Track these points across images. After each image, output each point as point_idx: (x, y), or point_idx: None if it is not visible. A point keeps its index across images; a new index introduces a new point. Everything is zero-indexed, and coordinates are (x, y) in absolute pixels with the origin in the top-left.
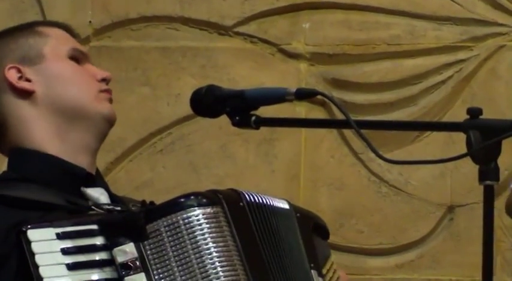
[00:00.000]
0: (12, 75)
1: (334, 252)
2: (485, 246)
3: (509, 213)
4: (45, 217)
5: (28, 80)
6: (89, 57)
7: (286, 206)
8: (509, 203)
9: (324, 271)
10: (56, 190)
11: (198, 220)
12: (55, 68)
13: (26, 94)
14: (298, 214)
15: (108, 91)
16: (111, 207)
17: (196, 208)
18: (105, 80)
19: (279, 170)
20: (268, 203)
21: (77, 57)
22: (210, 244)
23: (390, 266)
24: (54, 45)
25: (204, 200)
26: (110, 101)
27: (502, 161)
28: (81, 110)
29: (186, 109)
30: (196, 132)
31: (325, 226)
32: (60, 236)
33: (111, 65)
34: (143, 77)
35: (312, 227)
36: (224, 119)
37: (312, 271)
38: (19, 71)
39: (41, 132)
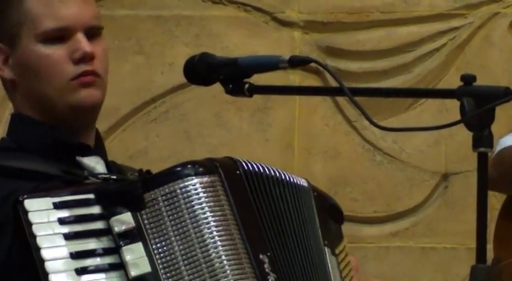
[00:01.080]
0: None
1: None
2: (480, 214)
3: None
4: (41, 186)
5: (10, 66)
6: (78, 26)
7: (304, 183)
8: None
9: (337, 251)
10: (51, 159)
11: (195, 189)
12: (25, 57)
13: (7, 81)
14: (315, 193)
15: (82, 74)
16: (107, 176)
17: (193, 177)
18: (83, 59)
19: (273, 139)
20: (271, 172)
21: (53, 38)
22: (208, 213)
23: (385, 234)
24: (31, 27)
25: (201, 169)
26: (87, 85)
27: (495, 128)
28: (50, 104)
29: (180, 78)
30: (190, 101)
31: (341, 211)
32: (57, 206)
33: (104, 34)
34: (137, 46)
35: (327, 208)
36: (218, 87)
37: (326, 248)
38: (4, 52)
39: (30, 112)
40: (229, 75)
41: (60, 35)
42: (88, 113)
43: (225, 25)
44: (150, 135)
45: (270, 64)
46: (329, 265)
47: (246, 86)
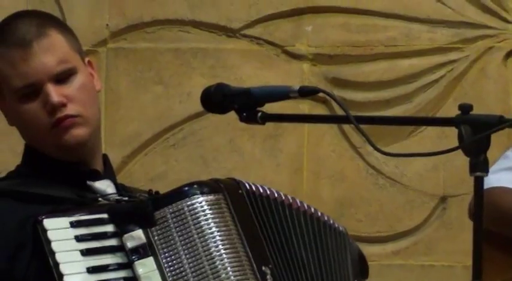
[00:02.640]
0: (2, 108)
1: None
2: (475, 234)
3: (471, 218)
4: (58, 208)
5: (7, 114)
6: (44, 79)
7: (341, 228)
8: (470, 208)
9: None
10: (65, 185)
11: (201, 207)
12: (10, 113)
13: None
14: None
15: (60, 120)
16: (118, 197)
17: (199, 196)
18: (54, 110)
19: (284, 164)
20: (270, 193)
21: (26, 94)
22: (214, 229)
23: (387, 252)
24: (7, 85)
25: (207, 189)
26: (66, 129)
27: (491, 154)
28: (42, 149)
29: (197, 106)
30: (206, 128)
31: (367, 270)
32: (73, 225)
33: (127, 66)
34: (157, 76)
35: (358, 259)
36: (232, 115)
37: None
38: (1, 103)
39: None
40: (243, 104)
41: (31, 91)
42: (78, 149)
43: (239, 57)
44: (169, 159)
45: (281, 94)
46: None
47: (259, 114)
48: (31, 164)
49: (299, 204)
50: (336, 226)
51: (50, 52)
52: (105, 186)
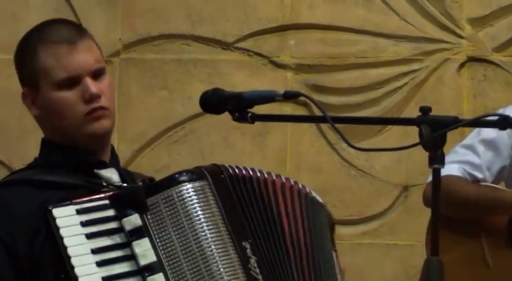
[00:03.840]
0: (27, 101)
1: None
2: (433, 217)
3: (427, 204)
4: (67, 196)
5: (36, 105)
6: (84, 73)
7: (320, 199)
8: (426, 195)
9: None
10: (76, 173)
11: (188, 193)
12: (46, 101)
13: (36, 117)
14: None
15: (93, 110)
16: (119, 184)
17: (187, 183)
18: (92, 99)
19: (270, 157)
20: (253, 173)
21: (66, 85)
22: (199, 212)
23: (357, 233)
24: (46, 77)
25: (193, 176)
26: (98, 118)
27: (447, 149)
28: (71, 137)
29: (196, 108)
30: (204, 127)
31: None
32: (79, 212)
33: (137, 74)
34: (162, 83)
35: (332, 223)
36: (226, 115)
37: (333, 252)
38: (30, 94)
39: (55, 139)
40: (236, 106)
41: (71, 82)
42: (102, 139)
43: (232, 67)
44: (172, 153)
45: (268, 97)
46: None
47: (249, 114)
48: (47, 155)
49: (284, 180)
50: (317, 197)
51: (90, 52)
52: (110, 173)
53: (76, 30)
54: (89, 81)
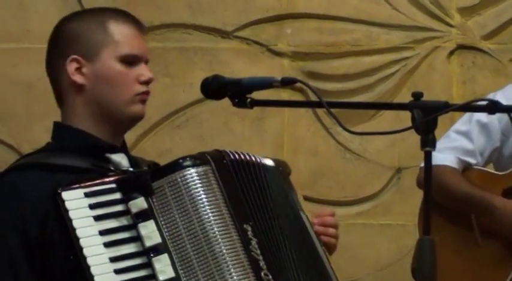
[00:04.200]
0: (71, 67)
1: (310, 203)
2: (425, 198)
3: (420, 186)
4: (76, 179)
5: (83, 74)
6: (143, 58)
7: (271, 163)
8: (419, 179)
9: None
10: (87, 156)
11: (192, 177)
12: (103, 70)
13: (77, 86)
14: (280, 168)
15: (144, 93)
16: (126, 169)
17: (190, 168)
18: (146, 82)
19: (268, 141)
20: (252, 159)
21: (128, 60)
22: (203, 196)
23: (352, 214)
24: (112, 48)
25: (197, 161)
26: (144, 101)
27: (437, 133)
28: (114, 111)
29: (197, 94)
30: (205, 112)
31: (289, 168)
32: (87, 195)
33: None
34: (165, 70)
35: (288, 173)
36: (226, 101)
37: (301, 212)
38: (79, 62)
39: (82, 115)
40: (235, 92)
41: (131, 60)
42: (136, 122)
43: (232, 55)
44: (175, 138)
45: (266, 83)
46: (307, 225)
47: (248, 100)
48: (60, 138)
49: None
50: (268, 164)
51: (146, 43)
52: (120, 158)
53: (142, 24)
54: (145, 66)
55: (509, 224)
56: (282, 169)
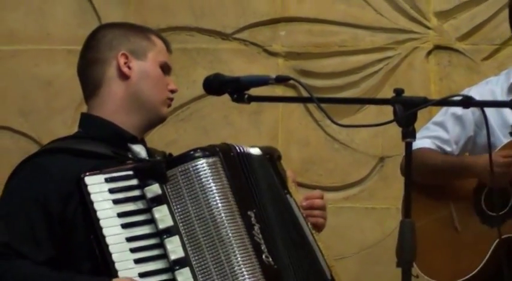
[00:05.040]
0: (121, 59)
1: (302, 189)
2: (406, 184)
3: (403, 173)
4: (98, 166)
5: (129, 68)
6: (171, 70)
7: (259, 152)
8: (402, 166)
9: (289, 187)
10: (109, 145)
11: (202, 167)
12: (149, 69)
13: (123, 76)
14: (267, 155)
15: (171, 99)
16: (142, 158)
17: (201, 159)
18: (173, 92)
19: (264, 133)
20: (249, 152)
21: (164, 68)
22: (212, 184)
23: (340, 198)
24: (155, 53)
25: (207, 153)
26: (169, 105)
27: (417, 125)
28: (150, 106)
29: (200, 91)
30: (206, 107)
31: (280, 154)
32: (107, 180)
33: None
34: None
35: (276, 158)
36: (226, 97)
37: (287, 195)
38: (127, 58)
39: (116, 106)
40: (234, 88)
41: (166, 69)
42: (160, 122)
43: (231, 54)
44: (179, 130)
45: (262, 81)
46: (293, 208)
47: (246, 96)
48: (88, 128)
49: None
50: (257, 153)
51: None
52: (139, 149)
53: (170, 46)
54: (171, 78)
55: (481, 170)
56: (269, 156)
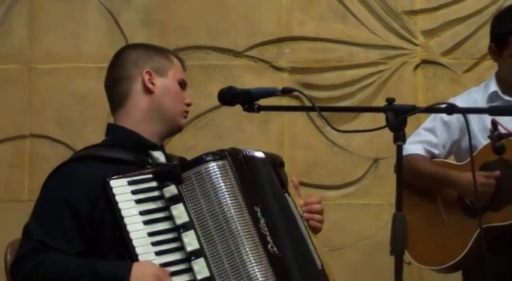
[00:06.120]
0: (146, 76)
1: (306, 188)
2: (398, 182)
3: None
4: (122, 171)
5: (153, 84)
6: (187, 86)
7: (262, 155)
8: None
9: (289, 189)
10: (132, 152)
11: (213, 170)
12: (170, 85)
13: (148, 91)
14: (269, 159)
15: (187, 112)
16: (161, 162)
17: (212, 162)
18: (188, 105)
19: (271, 139)
20: (254, 155)
21: (181, 85)
22: (222, 184)
23: (339, 195)
24: (175, 71)
25: (217, 156)
26: (186, 117)
27: (407, 130)
28: (170, 117)
29: (215, 102)
30: (221, 116)
31: (283, 161)
32: (130, 183)
33: None
34: (189, 83)
35: (278, 164)
36: (238, 107)
37: (286, 194)
38: (151, 75)
39: (140, 117)
40: (245, 99)
41: (183, 85)
42: (178, 132)
43: (242, 70)
44: (198, 137)
45: (269, 92)
46: (290, 205)
47: (256, 106)
48: (113, 137)
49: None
50: (261, 156)
51: None
52: (159, 155)
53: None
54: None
55: (464, 188)
56: (271, 160)
